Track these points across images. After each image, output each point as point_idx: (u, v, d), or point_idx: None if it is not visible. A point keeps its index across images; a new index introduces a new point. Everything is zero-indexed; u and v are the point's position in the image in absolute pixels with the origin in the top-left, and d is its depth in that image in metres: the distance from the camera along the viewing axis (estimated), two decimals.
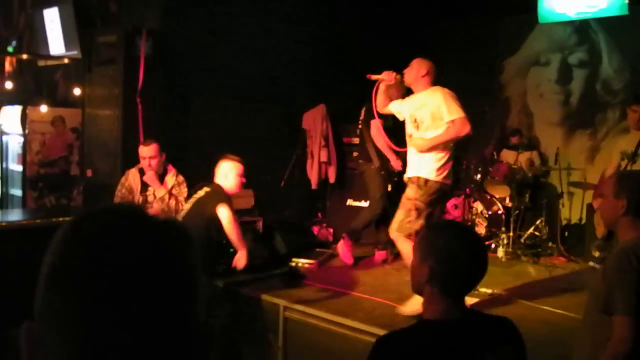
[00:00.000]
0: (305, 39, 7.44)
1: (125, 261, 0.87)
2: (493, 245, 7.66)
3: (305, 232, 7.55)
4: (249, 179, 5.29)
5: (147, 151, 5.45)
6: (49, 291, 0.89)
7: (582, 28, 8.80)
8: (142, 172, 5.52)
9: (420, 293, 2.25)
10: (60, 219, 7.03)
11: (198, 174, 5.85)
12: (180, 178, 5.59)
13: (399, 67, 8.16)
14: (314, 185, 7.72)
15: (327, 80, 7.59)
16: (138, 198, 5.39)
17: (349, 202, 8.14)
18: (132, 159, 5.98)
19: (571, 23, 8.70)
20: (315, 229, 7.80)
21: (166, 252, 0.91)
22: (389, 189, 6.99)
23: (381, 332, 5.30)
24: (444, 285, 2.15)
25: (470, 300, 5.70)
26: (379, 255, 7.09)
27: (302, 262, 6.54)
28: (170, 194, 5.45)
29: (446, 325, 2.12)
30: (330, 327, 5.11)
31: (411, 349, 2.07)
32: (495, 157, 8.68)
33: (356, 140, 8.19)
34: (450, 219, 8.04)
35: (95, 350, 0.85)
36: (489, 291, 5.86)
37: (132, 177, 5.52)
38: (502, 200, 8.23)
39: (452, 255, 2.14)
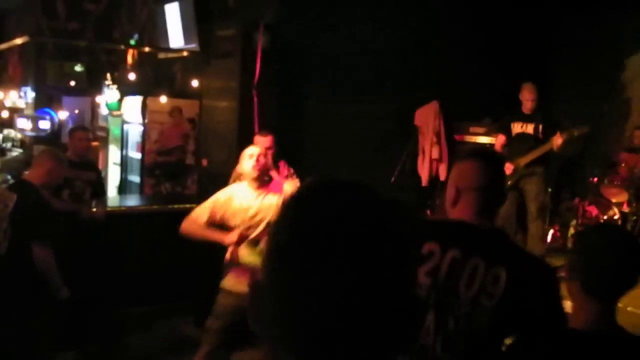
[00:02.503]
0: (423, 34, 7.37)
1: (348, 231, 0.88)
2: None
3: None
4: (361, 173, 5.29)
5: (264, 142, 5.53)
6: (272, 250, 0.93)
7: None
8: None
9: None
10: (175, 206, 7.30)
11: (310, 167, 5.91)
12: (292, 170, 5.66)
13: (517, 65, 7.99)
14: (424, 182, 7.66)
15: (443, 76, 7.49)
16: None
17: None
18: None
19: None
20: None
21: (388, 226, 0.92)
22: None
23: None
24: (584, 283, 1.90)
25: None
26: None
27: None
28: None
29: (591, 338, 1.87)
30: None
31: None
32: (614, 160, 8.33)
33: (469, 139, 8.09)
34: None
35: (302, 310, 0.88)
36: None
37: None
38: (619, 205, 7.89)
39: (592, 248, 1.91)
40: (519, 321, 2.16)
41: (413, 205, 5.87)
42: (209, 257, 6.40)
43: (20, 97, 11.10)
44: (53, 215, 4.70)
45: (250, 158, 4.57)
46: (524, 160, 6.93)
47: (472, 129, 8.11)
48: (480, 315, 2.16)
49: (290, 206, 0.95)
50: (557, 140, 6.81)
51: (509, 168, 7.02)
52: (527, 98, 7.00)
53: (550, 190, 7.39)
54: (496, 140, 7.36)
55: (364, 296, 0.87)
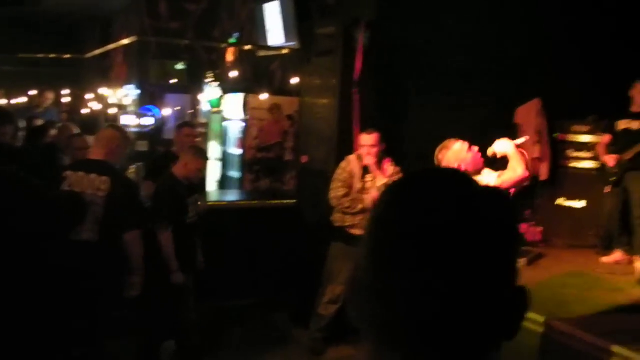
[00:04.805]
0: (526, 30, 7.21)
1: (443, 222, 0.87)
2: None
3: None
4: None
5: (369, 140, 5.54)
6: (370, 246, 0.92)
7: None
8: (360, 160, 5.62)
9: None
10: (274, 201, 7.44)
11: (411, 165, 5.88)
12: (397, 168, 5.64)
13: (624, 62, 7.66)
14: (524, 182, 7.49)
15: (546, 73, 7.31)
16: (358, 183, 5.51)
17: (559, 201, 7.84)
18: (346, 147, 6.13)
19: None
20: (523, 227, 7.58)
21: (488, 214, 0.90)
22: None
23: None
24: None
25: None
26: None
27: None
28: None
29: None
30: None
31: None
32: None
33: (571, 138, 7.87)
34: None
35: (406, 307, 0.87)
36: None
37: (353, 163, 5.63)
38: None
39: None
40: (126, 203, 4.67)
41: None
42: (307, 253, 6.51)
43: (125, 95, 11.56)
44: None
45: None
46: (627, 155, 6.71)
47: (575, 128, 7.89)
48: (103, 203, 4.55)
49: (386, 203, 0.94)
50: None
51: (611, 160, 6.81)
52: (639, 96, 6.77)
53: None
54: (601, 140, 7.15)
55: (468, 290, 0.86)
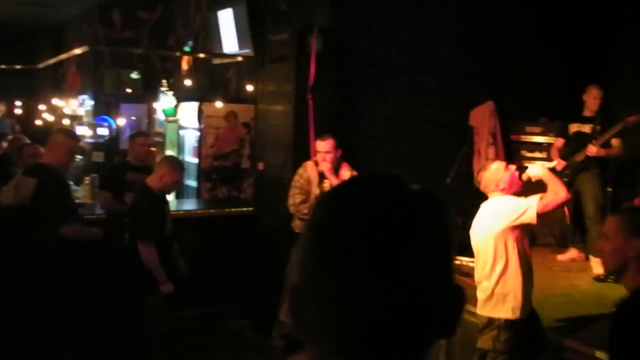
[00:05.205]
0: (475, 33, 7.30)
1: (383, 224, 0.88)
2: None
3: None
4: (416, 175, 5.22)
5: (324, 146, 5.53)
6: (309, 253, 0.93)
7: None
8: (317, 166, 5.62)
9: (618, 270, 2.76)
10: (232, 209, 7.40)
11: (365, 169, 5.90)
12: (355, 173, 5.64)
13: (574, 64, 7.81)
14: None
15: (498, 75, 7.40)
16: (315, 189, 5.51)
17: None
18: (303, 154, 6.12)
19: None
20: None
21: (423, 215, 0.92)
22: None
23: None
24: None
25: None
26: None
27: (465, 260, 6.43)
28: None
29: None
30: None
31: None
32: None
33: (525, 138, 7.97)
34: None
35: (348, 311, 0.87)
36: None
37: (310, 170, 5.63)
38: None
39: None
40: (53, 201, 4.82)
41: (468, 205, 5.75)
42: (266, 260, 6.49)
43: (79, 105, 11.40)
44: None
45: None
46: (579, 157, 6.83)
47: (528, 129, 7.99)
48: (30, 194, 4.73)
49: (324, 210, 0.95)
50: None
51: (559, 165, 6.92)
52: (592, 101, 6.88)
53: (610, 190, 7.23)
54: (554, 143, 7.26)
55: (405, 291, 0.87)
